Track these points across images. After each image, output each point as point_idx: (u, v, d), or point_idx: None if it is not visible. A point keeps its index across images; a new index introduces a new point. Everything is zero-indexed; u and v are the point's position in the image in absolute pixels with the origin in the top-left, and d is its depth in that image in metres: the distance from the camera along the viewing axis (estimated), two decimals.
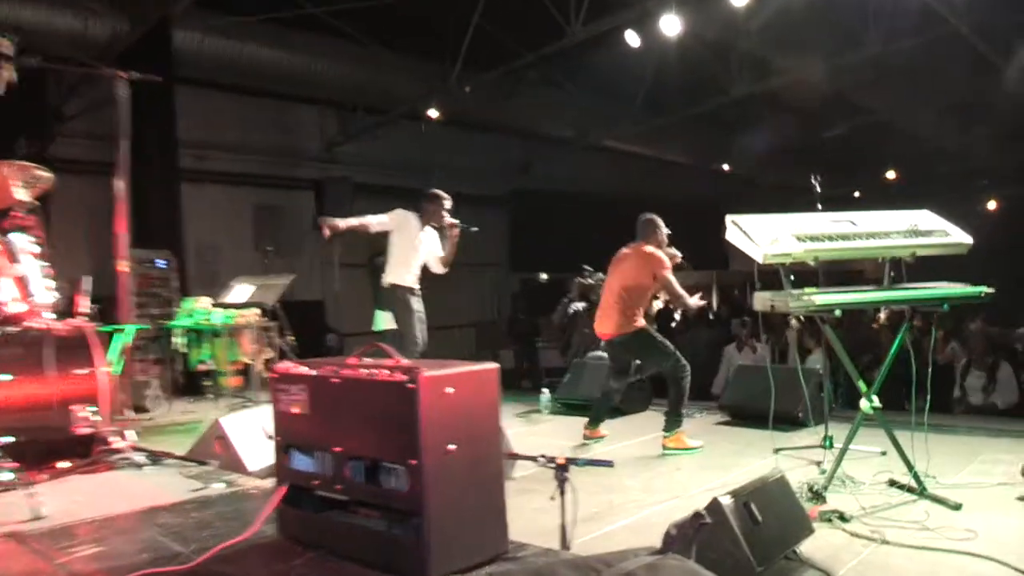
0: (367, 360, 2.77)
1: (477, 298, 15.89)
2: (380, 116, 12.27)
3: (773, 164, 16.34)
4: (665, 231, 5.54)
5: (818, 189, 5.18)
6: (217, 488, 3.82)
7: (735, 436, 5.76)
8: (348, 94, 11.54)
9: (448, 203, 5.99)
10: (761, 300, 4.05)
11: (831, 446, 4.81)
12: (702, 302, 5.49)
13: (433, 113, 11.62)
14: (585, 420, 5.79)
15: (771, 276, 4.11)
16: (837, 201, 5.16)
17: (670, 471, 4.88)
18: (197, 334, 7.40)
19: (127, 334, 7.19)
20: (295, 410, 2.82)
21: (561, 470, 2.77)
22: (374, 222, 5.77)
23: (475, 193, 15.51)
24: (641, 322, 5.40)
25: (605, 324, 5.50)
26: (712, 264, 15.16)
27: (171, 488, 3.84)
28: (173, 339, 7.60)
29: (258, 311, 7.38)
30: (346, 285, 12.11)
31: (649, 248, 5.42)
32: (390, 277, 5.92)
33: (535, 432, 6.34)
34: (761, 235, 4.03)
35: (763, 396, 5.22)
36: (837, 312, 3.96)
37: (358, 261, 11.57)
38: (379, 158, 13.01)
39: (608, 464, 3.12)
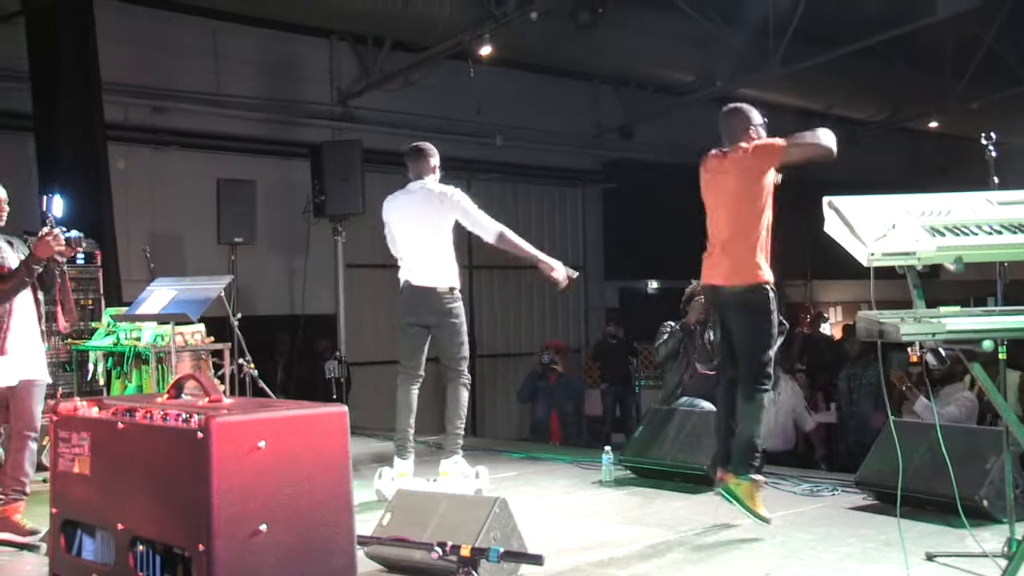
0: (187, 397, 2.71)
1: (556, 316, 15.79)
2: (415, 54, 12.32)
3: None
4: (761, 124, 5.32)
5: (992, 152, 4.77)
6: None
7: (872, 529, 5.52)
8: (371, 21, 11.57)
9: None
10: (866, 323, 3.88)
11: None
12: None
13: (487, 50, 11.57)
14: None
15: None
16: None
17: None
18: (119, 359, 7.52)
19: None
20: (76, 469, 2.78)
21: (465, 566, 2.72)
22: None
23: (551, 166, 15.47)
24: (766, 272, 5.18)
25: (718, 269, 5.29)
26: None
27: None
28: (89, 366, 7.78)
29: (201, 328, 7.46)
30: (355, 293, 12.20)
31: (744, 144, 5.23)
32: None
33: (584, 511, 6.20)
34: (869, 225, 3.91)
35: (927, 471, 5.24)
36: (987, 344, 3.73)
37: (373, 261, 11.60)
38: (409, 115, 13.14)
39: (536, 560, 2.93)
